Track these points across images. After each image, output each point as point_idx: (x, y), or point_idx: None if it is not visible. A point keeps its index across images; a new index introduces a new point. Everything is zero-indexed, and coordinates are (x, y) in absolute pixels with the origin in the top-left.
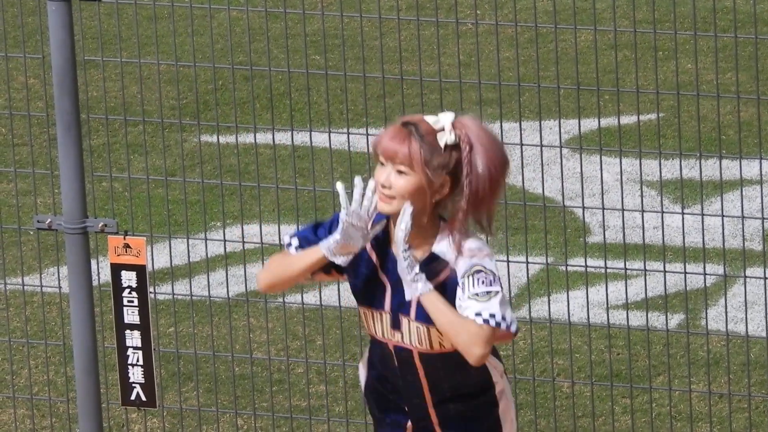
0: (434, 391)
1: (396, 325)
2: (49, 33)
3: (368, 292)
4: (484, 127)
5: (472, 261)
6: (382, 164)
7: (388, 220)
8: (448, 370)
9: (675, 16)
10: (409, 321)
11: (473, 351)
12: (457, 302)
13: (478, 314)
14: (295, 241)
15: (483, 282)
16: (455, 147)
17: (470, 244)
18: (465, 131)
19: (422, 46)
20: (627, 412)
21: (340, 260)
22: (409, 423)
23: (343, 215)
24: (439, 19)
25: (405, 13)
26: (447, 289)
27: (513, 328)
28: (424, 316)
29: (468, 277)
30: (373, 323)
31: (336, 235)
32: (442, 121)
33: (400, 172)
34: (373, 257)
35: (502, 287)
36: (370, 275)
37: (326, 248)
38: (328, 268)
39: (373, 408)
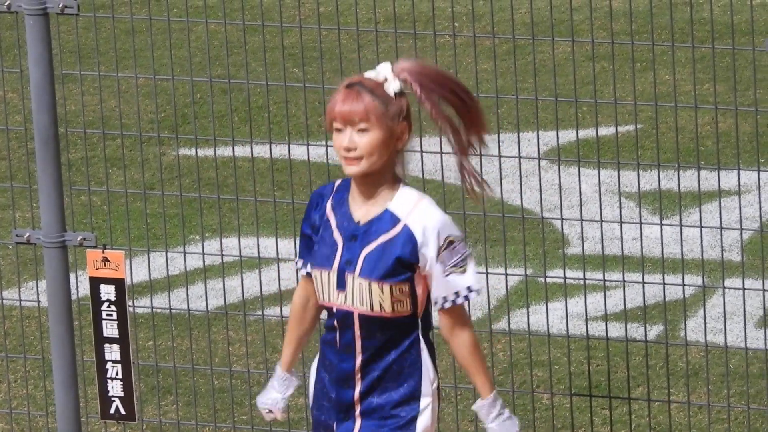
0: (365, 357)
1: (341, 284)
2: (27, 47)
3: (322, 253)
4: (419, 61)
5: (440, 231)
6: (339, 130)
7: (349, 181)
8: (384, 334)
9: (653, 28)
10: (353, 278)
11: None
12: (437, 276)
13: (457, 294)
14: (300, 263)
15: (457, 251)
16: (402, 93)
17: (425, 204)
18: (406, 74)
19: (400, 58)
20: (606, 424)
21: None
22: (335, 417)
23: (260, 402)
24: (417, 31)
25: (383, 26)
26: (396, 243)
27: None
28: (367, 272)
29: (444, 251)
30: (322, 285)
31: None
32: (383, 72)
33: (361, 130)
34: (331, 218)
35: (464, 240)
36: (327, 236)
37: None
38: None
39: (313, 411)
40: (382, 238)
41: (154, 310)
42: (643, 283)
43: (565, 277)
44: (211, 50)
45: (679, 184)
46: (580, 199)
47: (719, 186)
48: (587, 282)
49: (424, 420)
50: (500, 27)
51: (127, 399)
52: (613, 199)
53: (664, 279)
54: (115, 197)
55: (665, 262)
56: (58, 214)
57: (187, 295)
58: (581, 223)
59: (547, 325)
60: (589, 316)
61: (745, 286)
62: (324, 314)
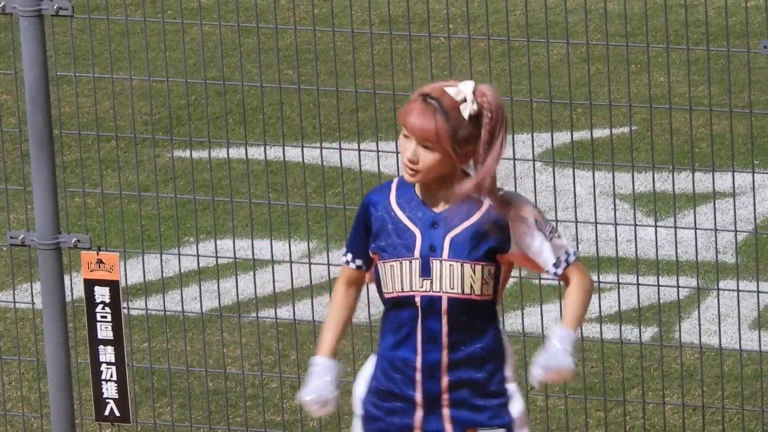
0: (452, 346)
1: (426, 271)
2: (22, 49)
3: (397, 244)
4: (498, 93)
5: (528, 205)
6: (407, 137)
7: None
8: (471, 320)
9: (647, 30)
10: (440, 263)
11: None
12: (542, 243)
13: (567, 253)
14: (350, 256)
15: (547, 220)
16: (477, 115)
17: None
18: (486, 99)
19: (395, 60)
20: (601, 426)
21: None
22: (418, 415)
23: (303, 395)
24: (412, 33)
25: (377, 28)
26: (483, 224)
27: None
28: (458, 254)
29: (539, 221)
30: (401, 276)
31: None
32: (464, 92)
33: (426, 147)
34: (399, 213)
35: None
36: (398, 230)
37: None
38: (365, 267)
39: (374, 411)
40: (467, 223)
41: (148, 311)
42: (638, 284)
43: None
44: (205, 52)
45: (673, 186)
46: (575, 201)
47: (714, 188)
48: None
49: (517, 405)
50: (495, 29)
51: (121, 401)
52: (607, 200)
53: (658, 281)
54: (109, 199)
55: (660, 263)
56: (53, 215)
57: (182, 297)
58: (576, 224)
59: (542, 327)
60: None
61: (740, 288)
62: (374, 316)
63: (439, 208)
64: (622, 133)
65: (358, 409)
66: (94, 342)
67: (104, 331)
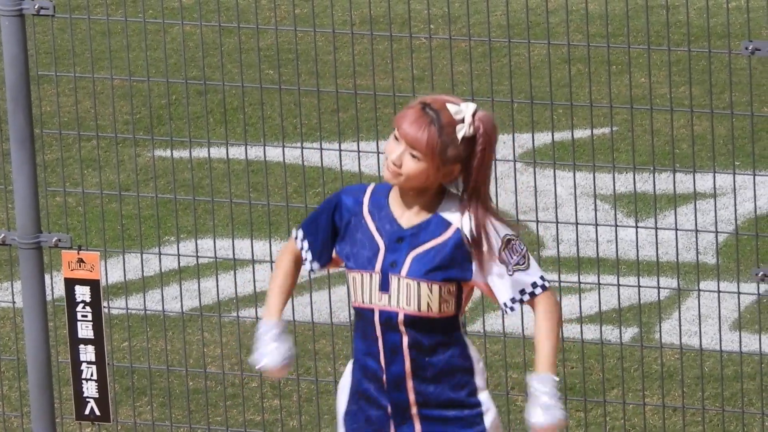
0: (414, 359)
1: (384, 286)
2: (2, 48)
3: (361, 255)
4: (495, 121)
5: (497, 232)
6: (397, 139)
7: (385, 187)
8: (431, 334)
9: (628, 30)
10: (399, 279)
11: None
12: (500, 277)
13: (523, 291)
14: (300, 233)
15: (516, 250)
16: (470, 139)
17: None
18: (482, 126)
19: (376, 60)
20: (581, 426)
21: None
22: (392, 425)
23: (262, 362)
24: (393, 33)
25: (358, 28)
26: (448, 247)
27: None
28: (416, 272)
29: (504, 251)
30: (362, 288)
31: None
32: (464, 113)
33: (413, 156)
34: (369, 221)
35: (520, 237)
36: (365, 238)
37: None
38: (324, 261)
39: (354, 421)
40: (433, 242)
41: (129, 311)
42: (618, 285)
43: None
44: (186, 52)
45: (654, 187)
46: (556, 202)
47: (694, 189)
48: (562, 284)
49: (489, 415)
50: (476, 29)
51: (101, 400)
52: (588, 201)
53: (639, 281)
54: (90, 198)
55: (640, 264)
56: (34, 215)
57: (162, 297)
58: (556, 225)
59: (522, 327)
60: (564, 318)
61: (720, 289)
62: (344, 321)
63: (408, 224)
64: (603, 133)
65: (339, 425)
66: (75, 341)
67: (85, 330)
